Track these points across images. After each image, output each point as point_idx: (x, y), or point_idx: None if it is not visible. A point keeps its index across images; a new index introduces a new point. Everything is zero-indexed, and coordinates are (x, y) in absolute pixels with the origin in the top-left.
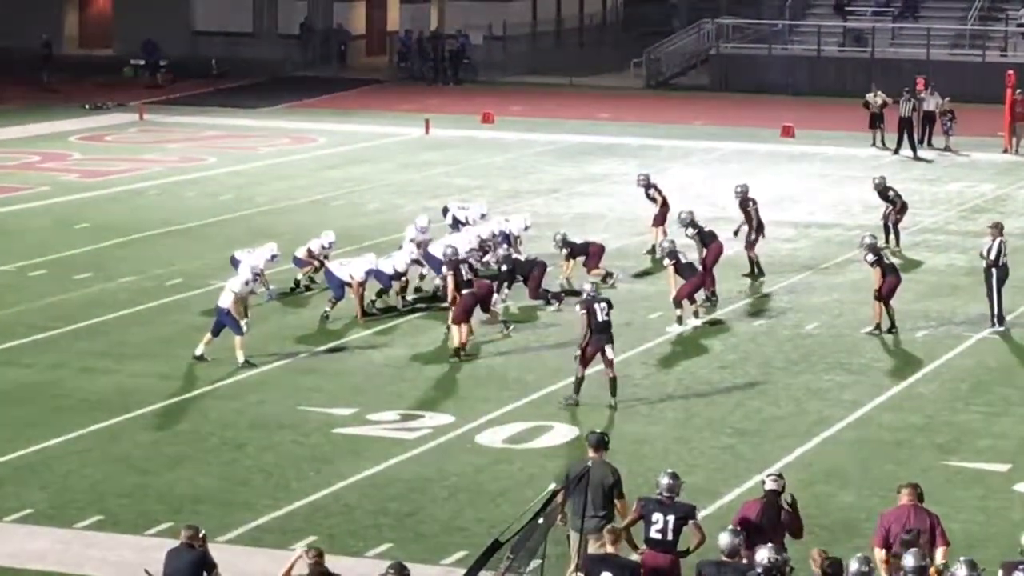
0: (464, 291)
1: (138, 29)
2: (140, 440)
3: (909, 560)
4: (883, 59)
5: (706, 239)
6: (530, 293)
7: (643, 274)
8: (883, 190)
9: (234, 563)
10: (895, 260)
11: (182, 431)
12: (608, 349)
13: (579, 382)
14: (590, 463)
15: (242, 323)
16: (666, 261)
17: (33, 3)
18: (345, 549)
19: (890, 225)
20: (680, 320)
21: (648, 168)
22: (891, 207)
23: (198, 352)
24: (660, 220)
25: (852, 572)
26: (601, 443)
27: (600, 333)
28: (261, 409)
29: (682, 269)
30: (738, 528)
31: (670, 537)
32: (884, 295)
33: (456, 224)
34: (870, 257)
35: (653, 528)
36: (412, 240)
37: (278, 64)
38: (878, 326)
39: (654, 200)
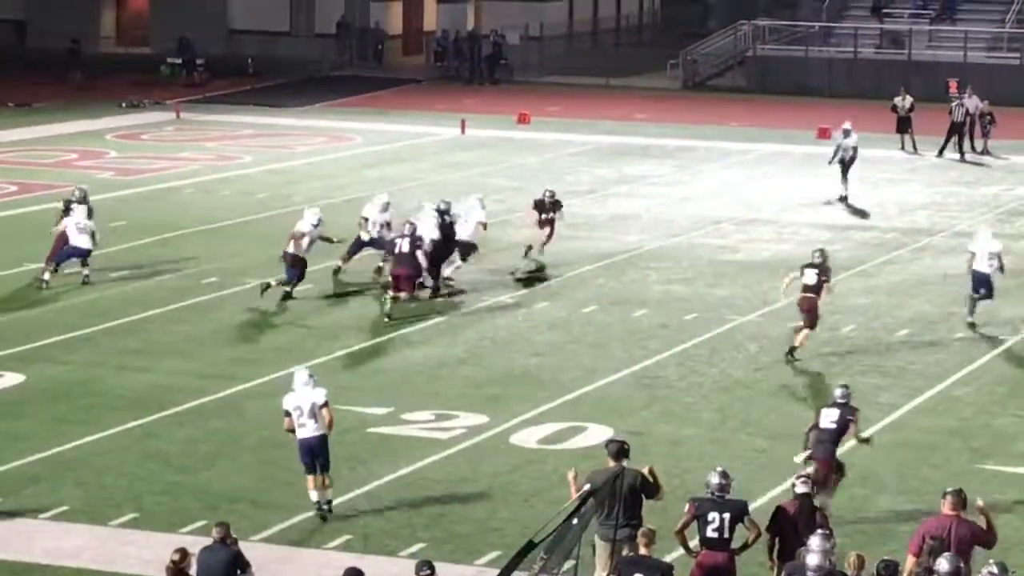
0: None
1: (175, 27)
2: (176, 438)
3: (943, 565)
4: (920, 61)
5: None
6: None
7: (678, 277)
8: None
9: (268, 562)
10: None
11: (218, 429)
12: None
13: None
14: (620, 470)
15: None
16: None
17: (71, 1)
18: (379, 548)
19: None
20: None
21: (684, 169)
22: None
23: (272, 282)
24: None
25: None
26: (621, 452)
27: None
28: None
29: None
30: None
31: (727, 535)
32: None
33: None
34: None
35: (710, 527)
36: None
37: (314, 63)
38: None
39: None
